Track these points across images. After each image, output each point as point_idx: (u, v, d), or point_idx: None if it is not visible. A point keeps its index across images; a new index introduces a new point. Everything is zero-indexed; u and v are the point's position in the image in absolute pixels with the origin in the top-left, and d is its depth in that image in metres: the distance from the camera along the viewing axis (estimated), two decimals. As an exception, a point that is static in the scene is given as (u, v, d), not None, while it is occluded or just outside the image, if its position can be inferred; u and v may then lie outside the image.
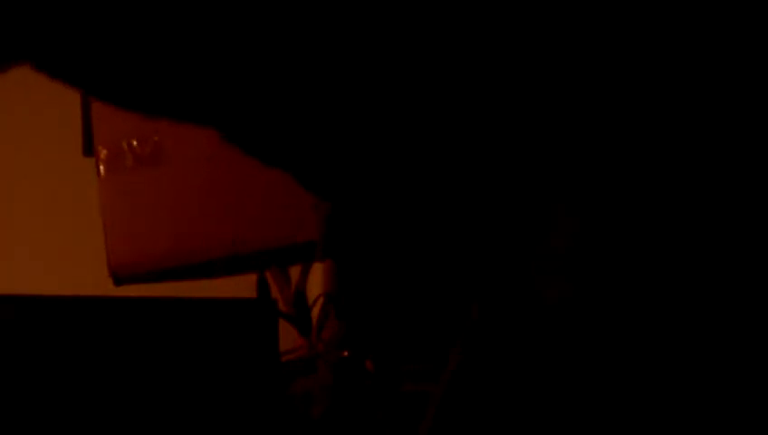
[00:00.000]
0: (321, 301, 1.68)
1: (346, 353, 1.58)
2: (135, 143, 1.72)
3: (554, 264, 0.81)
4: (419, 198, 0.78)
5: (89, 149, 1.76)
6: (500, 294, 0.82)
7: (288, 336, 1.68)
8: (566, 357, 0.82)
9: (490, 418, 0.85)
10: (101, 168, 1.73)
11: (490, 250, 0.79)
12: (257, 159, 0.84)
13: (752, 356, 0.81)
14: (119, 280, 1.69)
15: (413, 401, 1.49)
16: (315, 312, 1.71)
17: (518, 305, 0.81)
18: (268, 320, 1.47)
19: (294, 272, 1.84)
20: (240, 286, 1.82)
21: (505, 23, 0.74)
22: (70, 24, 0.72)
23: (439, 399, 0.89)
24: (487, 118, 0.75)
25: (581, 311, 0.81)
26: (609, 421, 0.82)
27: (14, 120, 2.24)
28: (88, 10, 0.71)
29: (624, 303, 0.81)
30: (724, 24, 0.77)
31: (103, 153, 1.72)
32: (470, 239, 0.79)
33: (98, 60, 0.74)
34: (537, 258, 0.81)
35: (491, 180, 0.75)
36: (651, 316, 0.81)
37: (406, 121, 0.73)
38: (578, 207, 0.77)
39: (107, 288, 1.68)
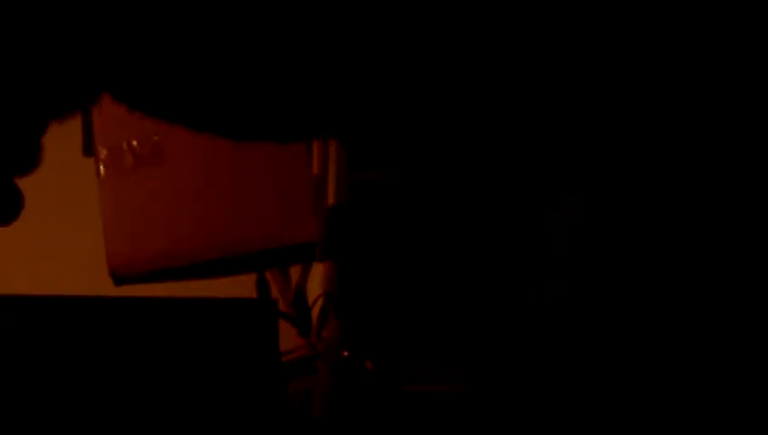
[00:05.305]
0: (321, 301, 1.68)
1: (346, 353, 1.58)
2: (135, 143, 1.72)
3: (551, 265, 0.81)
4: (420, 197, 0.78)
5: (89, 149, 1.76)
6: (497, 294, 0.83)
7: (288, 336, 1.68)
8: (562, 355, 0.82)
9: (491, 417, 0.85)
10: (101, 168, 1.73)
11: (489, 251, 0.79)
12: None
13: (751, 355, 0.81)
14: (119, 280, 1.70)
15: (413, 401, 1.49)
16: (315, 312, 1.71)
17: (515, 304, 0.81)
18: (268, 320, 1.47)
19: (294, 272, 1.84)
20: (240, 286, 1.83)
21: (508, 21, 0.74)
22: (150, 58, 0.73)
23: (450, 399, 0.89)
24: (488, 116, 0.75)
25: (578, 311, 0.81)
26: (608, 420, 0.82)
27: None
28: (168, 44, 0.73)
29: (621, 302, 0.81)
30: (723, 25, 0.77)
31: (103, 153, 1.73)
32: (470, 240, 0.80)
33: (178, 89, 0.76)
34: (534, 259, 0.81)
35: (490, 180, 0.75)
36: (648, 315, 0.81)
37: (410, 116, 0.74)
38: (575, 209, 0.77)
39: (107, 288, 1.68)
